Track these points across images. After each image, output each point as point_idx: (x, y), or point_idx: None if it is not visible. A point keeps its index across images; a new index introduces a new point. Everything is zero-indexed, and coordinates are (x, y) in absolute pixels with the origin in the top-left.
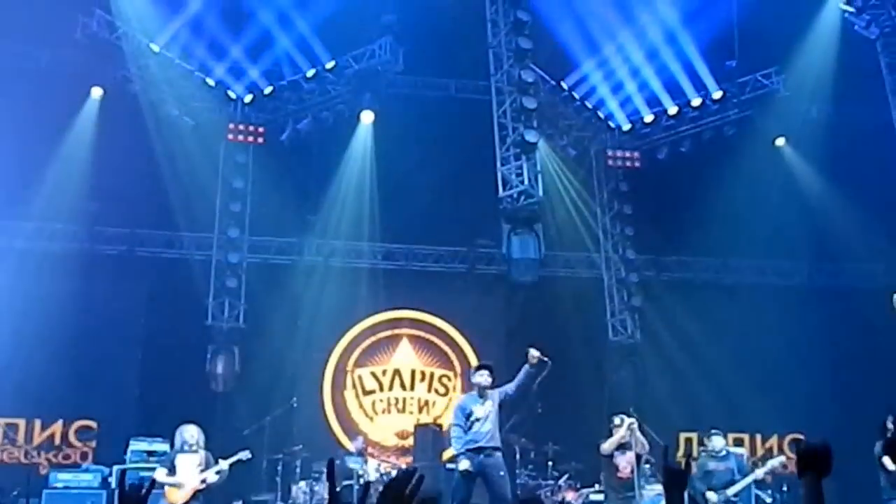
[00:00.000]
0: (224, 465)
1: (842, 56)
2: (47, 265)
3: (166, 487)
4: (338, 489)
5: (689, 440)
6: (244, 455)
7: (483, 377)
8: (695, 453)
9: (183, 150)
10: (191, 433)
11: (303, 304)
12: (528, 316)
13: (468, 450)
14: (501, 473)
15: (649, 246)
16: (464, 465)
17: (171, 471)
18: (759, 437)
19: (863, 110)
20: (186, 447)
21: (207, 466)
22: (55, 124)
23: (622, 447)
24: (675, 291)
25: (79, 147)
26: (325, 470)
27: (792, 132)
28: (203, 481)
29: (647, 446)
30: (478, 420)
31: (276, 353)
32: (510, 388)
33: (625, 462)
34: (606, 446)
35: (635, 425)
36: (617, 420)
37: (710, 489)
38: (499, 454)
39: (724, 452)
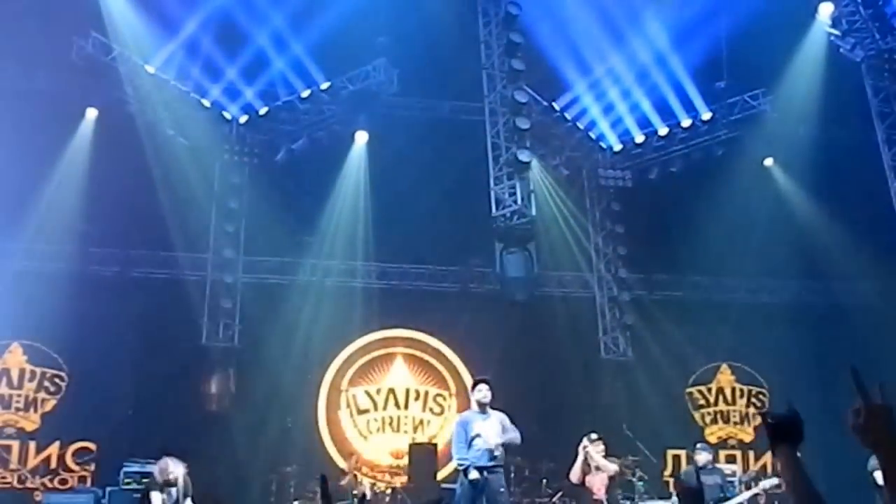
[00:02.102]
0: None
1: (828, 78)
2: (42, 286)
3: None
4: None
5: (676, 457)
6: None
7: (481, 393)
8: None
9: (178, 170)
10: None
11: (298, 323)
12: (522, 334)
13: (473, 464)
14: (501, 490)
15: (641, 265)
16: (474, 474)
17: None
18: (751, 454)
19: (849, 131)
20: (172, 479)
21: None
22: (51, 145)
23: (596, 468)
24: (666, 309)
25: (74, 168)
26: (319, 489)
27: (780, 152)
28: None
29: (610, 466)
30: (478, 436)
31: (271, 372)
32: (513, 435)
33: (599, 484)
34: (571, 475)
35: (590, 449)
36: (581, 445)
37: None
38: (500, 471)
39: (709, 467)
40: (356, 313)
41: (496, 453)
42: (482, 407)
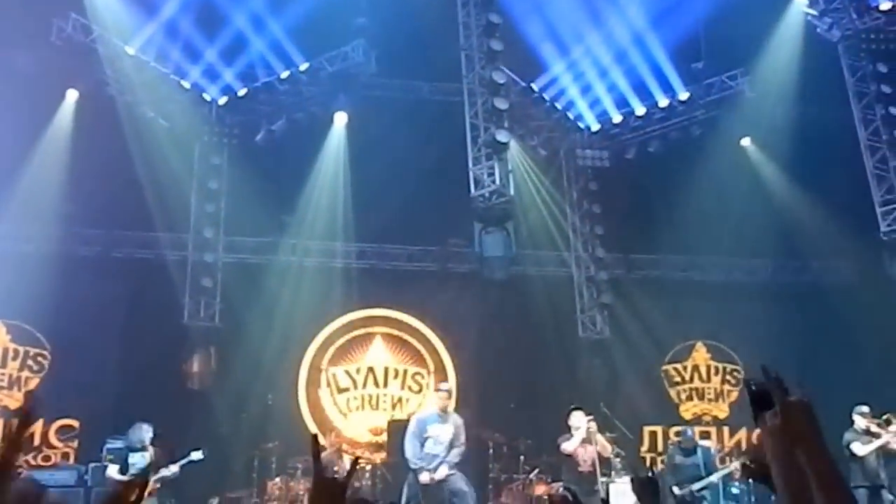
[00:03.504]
0: (175, 468)
1: (805, 58)
2: (25, 266)
3: None
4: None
5: (653, 433)
6: (196, 455)
7: (441, 398)
8: (660, 447)
9: (158, 151)
10: (143, 430)
11: (278, 303)
12: (500, 313)
13: (423, 467)
14: (465, 490)
15: (618, 244)
16: (425, 477)
17: (124, 469)
18: (726, 431)
19: (826, 111)
20: (139, 445)
21: (157, 465)
22: (31, 127)
23: (583, 441)
24: (643, 288)
25: (55, 149)
26: (299, 467)
27: (757, 132)
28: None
29: (608, 448)
30: (430, 438)
31: (252, 351)
32: (458, 451)
33: (586, 455)
34: (568, 446)
35: (594, 427)
36: (574, 418)
37: (677, 484)
38: (456, 472)
39: (692, 447)
40: (336, 293)
41: (447, 458)
42: (442, 410)
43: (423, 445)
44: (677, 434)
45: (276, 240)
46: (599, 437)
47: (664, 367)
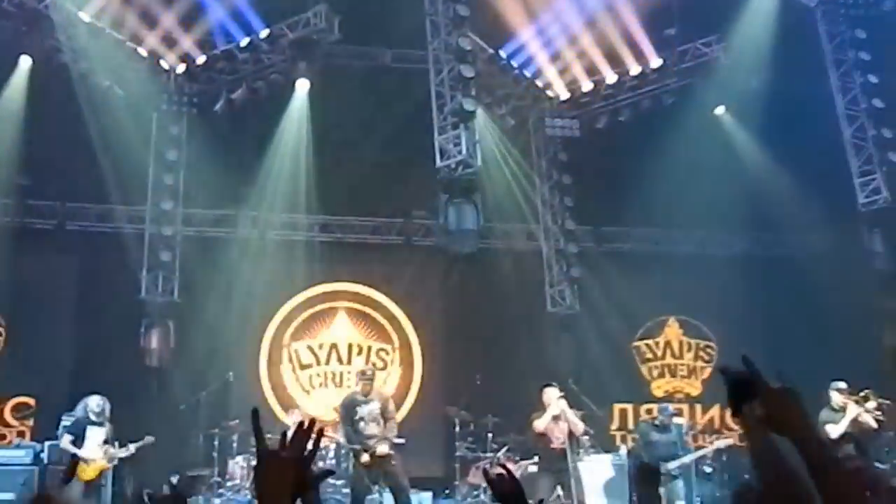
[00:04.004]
0: (132, 448)
1: (782, 24)
2: None
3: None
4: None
5: (623, 411)
6: (149, 440)
7: (363, 385)
8: (630, 425)
9: (114, 121)
10: (97, 404)
11: (238, 277)
12: (467, 287)
13: (361, 449)
14: (394, 463)
15: (588, 216)
16: (365, 457)
17: (79, 441)
18: (698, 408)
19: (802, 80)
20: (94, 417)
21: (111, 441)
22: None
23: (555, 418)
24: (614, 262)
25: (7, 118)
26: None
27: (731, 101)
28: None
29: (580, 426)
30: (361, 419)
31: (212, 327)
32: (392, 430)
33: (558, 433)
34: (539, 424)
35: (565, 404)
36: (547, 394)
37: (650, 461)
38: (397, 462)
39: (668, 424)
40: (298, 267)
41: (386, 434)
42: (364, 394)
43: (356, 430)
44: (654, 411)
45: (236, 212)
46: (571, 414)
47: (635, 343)
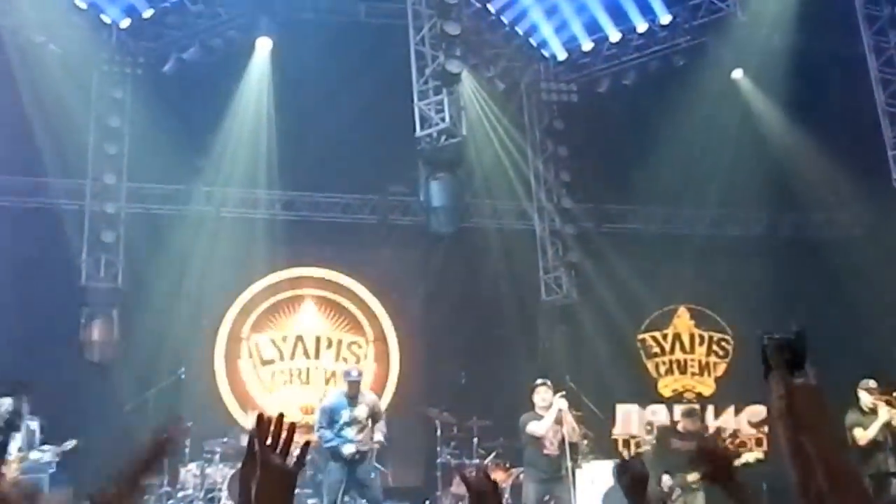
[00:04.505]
0: (50, 454)
1: None
2: None
3: None
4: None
5: (627, 413)
6: (69, 445)
7: (351, 387)
8: (635, 429)
9: (49, 83)
10: (6, 409)
11: (191, 261)
12: (450, 272)
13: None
14: (372, 476)
15: (588, 193)
16: (349, 448)
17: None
18: (711, 410)
19: (830, 38)
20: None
21: (30, 446)
22: None
23: (557, 423)
24: (617, 245)
25: None
26: (218, 451)
27: (751, 63)
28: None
29: (577, 431)
30: (345, 424)
31: (161, 317)
32: (382, 426)
33: (553, 437)
34: (539, 428)
35: (565, 405)
36: (539, 393)
37: (667, 472)
38: (371, 457)
39: (690, 431)
40: (258, 249)
41: (364, 447)
42: (351, 396)
43: (340, 436)
44: (686, 413)
45: (188, 187)
46: (569, 416)
47: (641, 336)
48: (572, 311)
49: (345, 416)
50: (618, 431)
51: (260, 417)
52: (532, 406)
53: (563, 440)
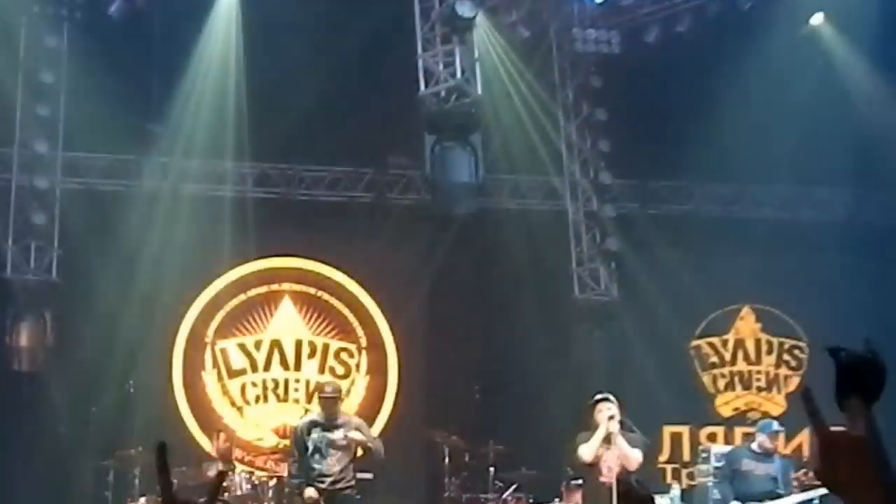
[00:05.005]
0: None
1: None
2: None
3: None
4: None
5: (677, 436)
6: None
7: (326, 405)
8: (686, 455)
9: None
10: None
11: (142, 249)
12: (461, 264)
13: (316, 483)
14: None
15: (632, 167)
16: (309, 493)
17: None
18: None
19: None
20: None
21: None
22: None
23: (607, 441)
24: (667, 230)
25: None
26: (174, 482)
27: (833, 7)
28: None
29: (636, 456)
30: (319, 453)
31: (105, 318)
32: (372, 443)
33: (610, 461)
34: (587, 451)
35: (616, 429)
36: (602, 411)
37: (737, 498)
38: (353, 494)
39: (768, 452)
40: (225, 234)
41: (343, 477)
42: (329, 414)
43: (309, 464)
44: (756, 425)
45: (139, 158)
46: (622, 440)
47: (695, 343)
48: (611, 312)
49: (317, 440)
50: (665, 459)
51: (161, 448)
52: (593, 425)
53: (624, 469)
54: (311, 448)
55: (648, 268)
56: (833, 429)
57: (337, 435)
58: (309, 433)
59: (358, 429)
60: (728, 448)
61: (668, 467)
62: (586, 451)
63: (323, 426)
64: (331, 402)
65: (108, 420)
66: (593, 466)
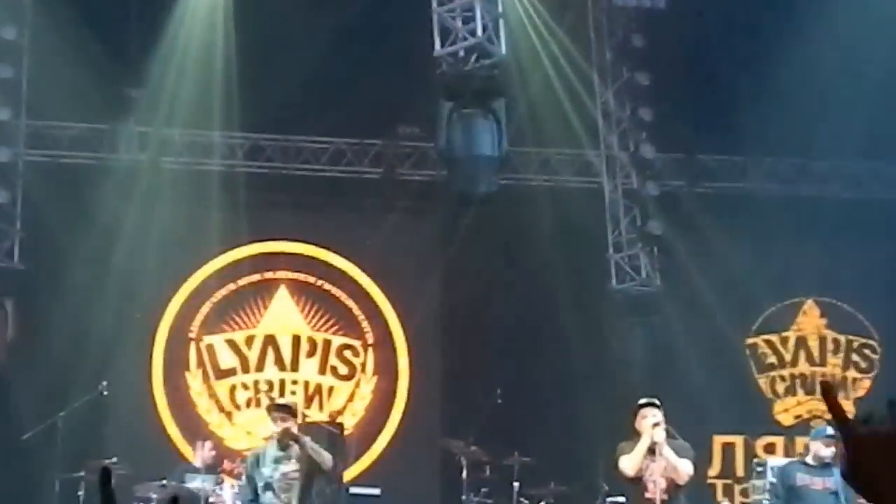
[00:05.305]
0: None
1: None
2: None
3: None
4: None
5: (729, 447)
6: None
7: (278, 420)
8: (739, 469)
9: None
10: None
11: (117, 230)
12: (481, 249)
13: None
14: None
15: (678, 138)
16: None
17: None
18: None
19: None
20: None
21: None
22: None
23: (651, 452)
24: (718, 211)
25: None
26: (153, 497)
27: None
28: None
29: (686, 468)
30: (270, 489)
31: (75, 309)
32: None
33: (655, 474)
34: (628, 465)
35: (662, 438)
36: (648, 418)
37: None
38: None
39: (825, 462)
40: (213, 214)
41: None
42: (282, 441)
43: (257, 498)
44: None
45: (114, 127)
46: (669, 451)
47: (750, 341)
48: (654, 305)
49: (266, 472)
50: (716, 473)
51: (105, 474)
52: (635, 433)
53: (673, 483)
54: (261, 486)
55: (697, 254)
56: (869, 427)
57: (290, 467)
58: (258, 467)
59: (309, 459)
60: (783, 461)
61: (719, 483)
62: (629, 464)
63: (275, 458)
64: (283, 421)
65: (79, 427)
66: (637, 481)
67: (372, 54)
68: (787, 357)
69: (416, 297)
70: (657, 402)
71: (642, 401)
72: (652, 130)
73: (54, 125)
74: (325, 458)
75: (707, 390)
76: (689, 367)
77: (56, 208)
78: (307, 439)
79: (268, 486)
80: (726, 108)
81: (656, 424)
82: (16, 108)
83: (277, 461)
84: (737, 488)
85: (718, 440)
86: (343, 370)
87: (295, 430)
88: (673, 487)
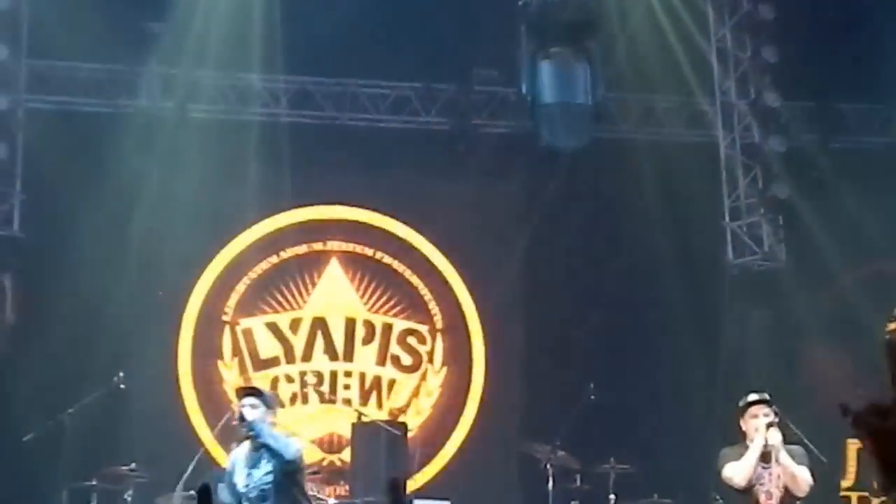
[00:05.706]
0: None
1: None
2: None
3: None
4: None
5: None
6: None
7: (248, 408)
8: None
9: None
10: None
11: (136, 191)
12: (570, 215)
13: None
14: None
15: (808, 84)
16: None
17: None
18: None
19: None
20: None
21: None
22: None
23: (764, 458)
24: (855, 171)
25: None
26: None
27: None
28: None
29: (801, 479)
30: (244, 492)
31: (87, 287)
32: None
33: (769, 484)
34: (737, 472)
35: (778, 440)
36: (756, 420)
37: None
38: None
39: None
40: (251, 173)
41: None
42: (253, 444)
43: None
44: None
45: (132, 69)
46: (786, 456)
47: (892, 327)
48: (778, 283)
49: (239, 483)
50: (850, 484)
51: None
52: (742, 436)
53: (790, 494)
54: (233, 482)
55: (830, 223)
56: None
57: (263, 470)
58: (233, 476)
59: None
60: None
61: (854, 495)
62: (738, 473)
63: (248, 461)
64: (254, 408)
65: (91, 425)
66: (747, 492)
67: None
68: None
69: (494, 273)
70: (768, 397)
71: (751, 397)
72: (777, 74)
73: (60, 65)
74: (283, 444)
75: (840, 382)
76: (818, 359)
77: (63, 165)
78: (265, 425)
79: (243, 499)
80: (865, 48)
81: (770, 425)
82: (14, 45)
83: (252, 465)
84: (875, 502)
85: (853, 445)
86: (406, 360)
87: (268, 419)
88: (789, 499)
